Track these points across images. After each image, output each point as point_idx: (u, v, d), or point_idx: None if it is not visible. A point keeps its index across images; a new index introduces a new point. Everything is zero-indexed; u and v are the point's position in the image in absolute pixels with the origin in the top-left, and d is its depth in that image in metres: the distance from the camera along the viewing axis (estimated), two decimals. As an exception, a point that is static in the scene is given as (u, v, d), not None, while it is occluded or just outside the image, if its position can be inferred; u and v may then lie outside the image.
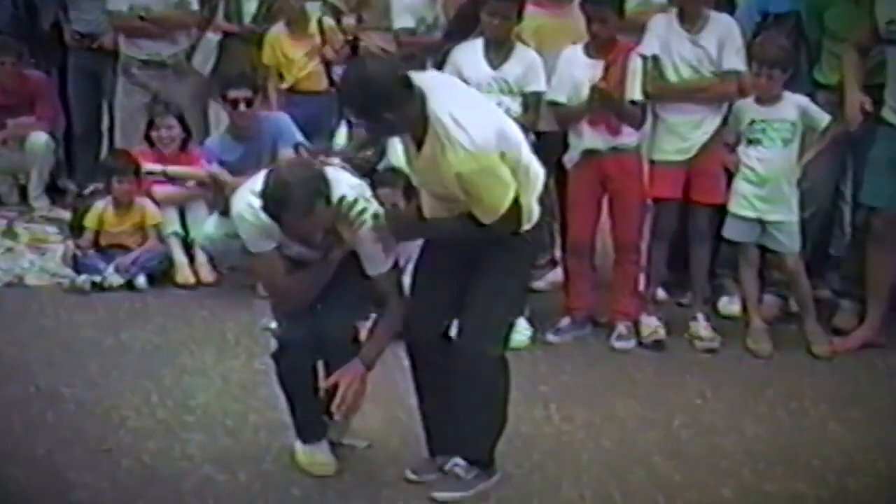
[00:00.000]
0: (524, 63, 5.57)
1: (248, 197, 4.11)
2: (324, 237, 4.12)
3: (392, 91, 3.80)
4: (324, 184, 3.99)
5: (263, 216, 4.01)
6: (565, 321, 5.80)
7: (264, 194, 3.94)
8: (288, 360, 4.26)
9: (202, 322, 5.90)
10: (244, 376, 5.19)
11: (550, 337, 5.72)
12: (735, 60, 5.55)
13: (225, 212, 6.39)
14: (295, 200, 3.89)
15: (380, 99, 3.79)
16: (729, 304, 6.14)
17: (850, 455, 4.62)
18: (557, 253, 6.44)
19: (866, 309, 5.79)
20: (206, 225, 6.37)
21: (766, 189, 5.55)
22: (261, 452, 4.48)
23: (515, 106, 5.53)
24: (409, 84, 3.84)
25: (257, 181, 4.09)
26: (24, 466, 4.32)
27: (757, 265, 5.71)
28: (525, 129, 5.47)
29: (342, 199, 4.06)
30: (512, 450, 4.41)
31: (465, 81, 5.41)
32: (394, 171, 5.63)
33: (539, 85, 5.58)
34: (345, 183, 4.15)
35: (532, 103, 5.57)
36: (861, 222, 5.87)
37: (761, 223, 5.57)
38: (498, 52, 5.58)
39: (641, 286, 5.85)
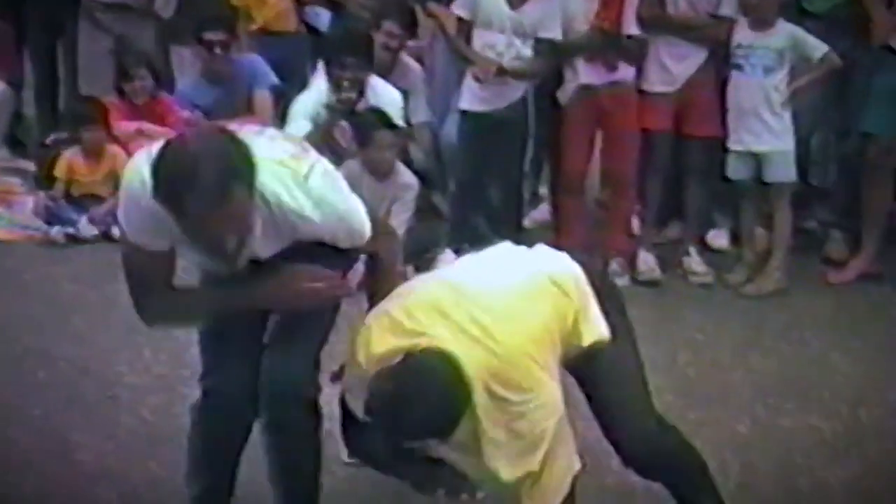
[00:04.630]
0: (543, 7, 5.46)
1: (143, 169, 2.88)
2: (239, 243, 2.91)
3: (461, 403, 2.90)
4: (246, 163, 2.80)
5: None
6: (557, 260, 5.72)
7: (157, 171, 2.76)
8: (218, 417, 3.27)
9: (185, 272, 5.75)
10: (236, 325, 5.06)
11: (544, 277, 5.63)
12: (732, 6, 5.48)
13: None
14: (202, 183, 2.70)
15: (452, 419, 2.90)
16: (717, 238, 6.09)
17: (858, 387, 4.61)
18: (542, 189, 6.36)
19: (857, 239, 5.79)
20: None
21: (748, 119, 5.47)
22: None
23: (526, 50, 5.46)
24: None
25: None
26: (22, 428, 4.17)
27: (756, 201, 5.64)
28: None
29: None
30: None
31: (480, 17, 5.38)
32: (374, 111, 5.52)
33: (554, 32, 5.47)
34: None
35: (543, 50, 5.46)
36: (850, 152, 5.83)
37: (755, 156, 5.50)
38: None
39: (635, 223, 5.79)
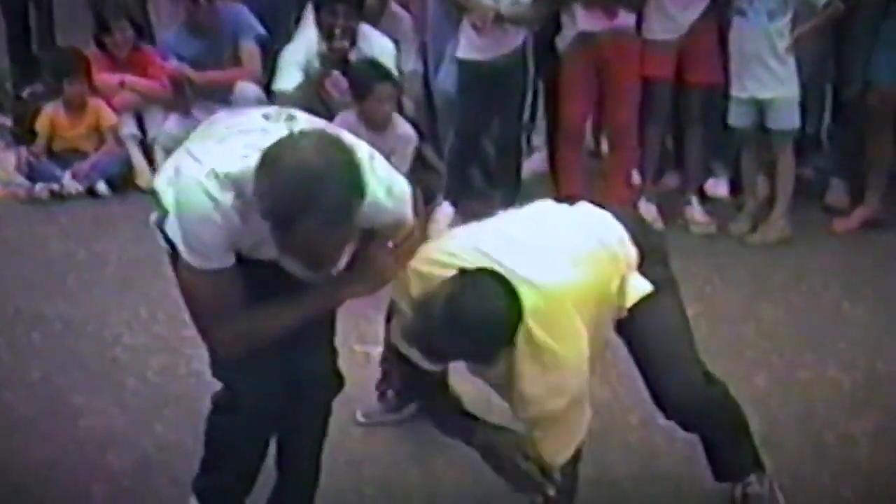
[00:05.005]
0: None
1: (205, 183, 2.60)
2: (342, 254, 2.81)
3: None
4: (361, 174, 2.58)
5: (236, 217, 2.62)
6: (557, 211, 5.62)
7: (269, 186, 2.49)
8: (244, 416, 2.98)
9: (176, 228, 5.59)
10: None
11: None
12: None
13: (187, 110, 6.11)
14: (325, 206, 2.49)
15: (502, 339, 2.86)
16: (716, 187, 6.00)
17: (873, 336, 4.53)
18: (536, 139, 6.24)
19: (856, 186, 5.72)
20: (168, 125, 6.08)
21: (752, 65, 5.36)
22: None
23: None
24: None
25: (216, 157, 2.64)
26: (23, 393, 4.06)
27: (758, 149, 5.55)
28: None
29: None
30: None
31: None
32: (371, 62, 5.37)
33: None
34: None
35: None
36: (848, 100, 5.75)
37: (758, 103, 5.40)
38: None
39: (636, 174, 5.69)
